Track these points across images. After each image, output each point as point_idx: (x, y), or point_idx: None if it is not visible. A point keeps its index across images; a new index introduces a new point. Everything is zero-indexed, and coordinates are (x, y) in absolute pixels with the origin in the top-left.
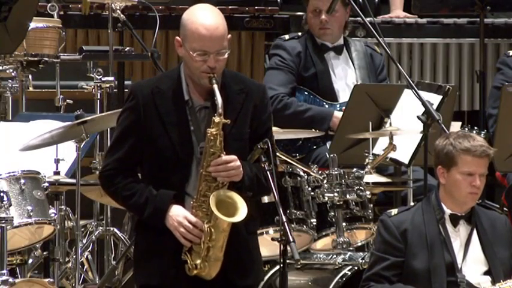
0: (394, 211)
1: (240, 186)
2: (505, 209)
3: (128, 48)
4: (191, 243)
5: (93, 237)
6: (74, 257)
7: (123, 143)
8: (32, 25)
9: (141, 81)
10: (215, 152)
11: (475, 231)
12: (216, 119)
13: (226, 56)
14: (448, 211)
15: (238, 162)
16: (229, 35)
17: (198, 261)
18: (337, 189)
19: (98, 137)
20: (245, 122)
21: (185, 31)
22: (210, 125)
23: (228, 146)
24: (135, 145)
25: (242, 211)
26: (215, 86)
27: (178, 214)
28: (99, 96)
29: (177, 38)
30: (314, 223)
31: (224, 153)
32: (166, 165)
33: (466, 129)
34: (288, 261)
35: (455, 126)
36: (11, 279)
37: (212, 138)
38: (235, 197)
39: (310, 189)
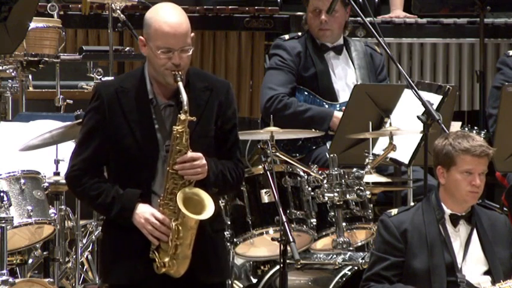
0: (394, 211)
1: (205, 182)
2: (505, 209)
3: (127, 48)
4: (159, 241)
5: (93, 237)
6: (74, 257)
7: (89, 143)
8: (32, 25)
9: (106, 81)
10: (181, 149)
11: (475, 231)
12: (182, 117)
13: (190, 53)
14: (448, 211)
15: (204, 161)
16: (193, 34)
17: (166, 260)
18: (337, 189)
19: None
20: (210, 119)
21: (149, 29)
22: (175, 123)
23: (193, 143)
24: (100, 145)
25: (209, 208)
26: (180, 84)
27: (145, 211)
28: None
29: (141, 37)
30: (314, 223)
31: (190, 150)
32: (132, 164)
33: (466, 129)
34: (288, 261)
35: (455, 126)
36: (11, 279)
37: (178, 135)
38: (202, 195)
39: (310, 189)
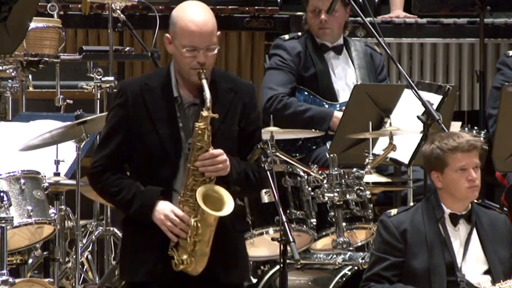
0: (393, 211)
1: (227, 180)
2: (505, 209)
3: (128, 48)
4: (178, 238)
5: (93, 237)
6: (74, 257)
7: (112, 139)
8: (32, 25)
9: (131, 79)
10: (203, 146)
11: (474, 231)
12: (204, 113)
13: (215, 52)
14: (447, 211)
15: (225, 156)
16: (219, 32)
17: (185, 257)
18: (337, 189)
19: (98, 137)
20: (234, 120)
21: (175, 28)
22: (198, 120)
23: (217, 142)
24: (123, 142)
25: (229, 205)
26: (204, 81)
27: (165, 208)
28: (99, 96)
29: (167, 35)
30: (314, 223)
31: (212, 147)
32: (155, 161)
33: (466, 129)
34: (288, 261)
35: (455, 126)
36: (11, 279)
37: (200, 132)
38: (221, 192)
39: (310, 189)
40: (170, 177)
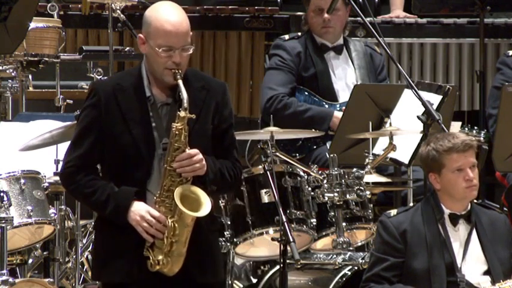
0: (393, 212)
1: (204, 180)
2: (504, 209)
3: (127, 48)
4: (154, 239)
5: (93, 237)
6: (74, 257)
7: (84, 140)
8: (32, 25)
9: (103, 79)
10: (180, 146)
11: (474, 231)
12: (182, 114)
13: (190, 51)
14: (447, 211)
15: (201, 156)
16: (191, 32)
17: (161, 257)
18: (337, 189)
19: None
20: (207, 118)
21: (149, 28)
22: (172, 121)
23: (192, 142)
24: (96, 142)
25: (206, 206)
26: (180, 82)
27: (140, 209)
28: None
29: (140, 35)
30: (314, 223)
31: (188, 148)
32: (128, 162)
33: (466, 129)
34: (288, 261)
35: (455, 126)
36: (11, 279)
37: (177, 133)
38: (199, 192)
39: (310, 189)
40: (144, 178)
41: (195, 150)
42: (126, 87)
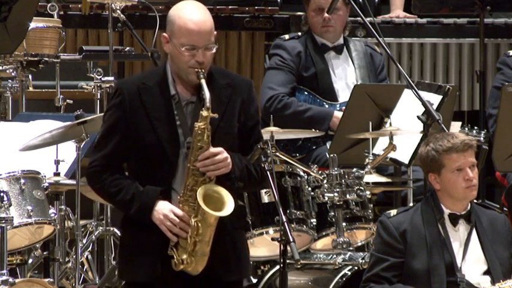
0: (393, 212)
1: (230, 177)
2: (505, 209)
3: (128, 48)
4: (178, 238)
5: (93, 237)
6: (74, 257)
7: (109, 139)
8: (32, 25)
9: (127, 78)
10: (203, 146)
11: (474, 231)
12: (204, 113)
13: (214, 50)
14: (447, 211)
15: (225, 154)
16: (215, 32)
17: (185, 256)
18: (337, 189)
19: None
20: (233, 116)
21: (173, 27)
22: (197, 119)
23: (217, 139)
24: (121, 141)
25: (229, 205)
26: (203, 81)
27: (164, 208)
28: (99, 96)
29: (164, 34)
30: (314, 223)
31: (211, 147)
32: (153, 161)
33: (466, 129)
34: (288, 261)
35: (455, 126)
36: (11, 279)
37: (200, 132)
38: (222, 192)
39: (310, 189)
40: (169, 176)
41: (218, 149)
42: (150, 86)
